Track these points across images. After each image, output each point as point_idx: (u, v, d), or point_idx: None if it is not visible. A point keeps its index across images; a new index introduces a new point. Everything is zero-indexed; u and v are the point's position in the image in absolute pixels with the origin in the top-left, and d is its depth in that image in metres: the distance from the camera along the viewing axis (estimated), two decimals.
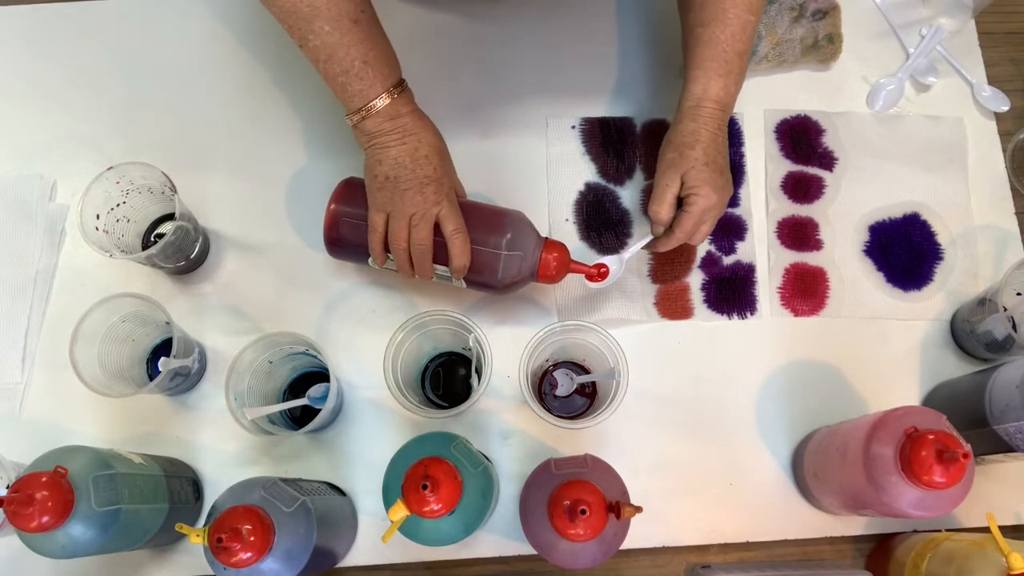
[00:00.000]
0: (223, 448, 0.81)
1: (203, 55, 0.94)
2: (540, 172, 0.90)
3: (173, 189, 0.77)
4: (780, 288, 0.86)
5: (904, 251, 0.88)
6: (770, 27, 0.92)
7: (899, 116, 0.93)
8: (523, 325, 0.84)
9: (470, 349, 0.75)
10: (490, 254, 0.74)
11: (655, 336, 0.85)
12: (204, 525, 0.60)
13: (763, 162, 0.91)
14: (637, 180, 0.90)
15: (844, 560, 0.80)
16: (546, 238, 0.76)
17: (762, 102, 0.92)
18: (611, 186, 0.89)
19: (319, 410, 0.73)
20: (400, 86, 0.71)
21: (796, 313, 0.86)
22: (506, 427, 0.81)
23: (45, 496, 0.59)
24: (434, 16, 0.95)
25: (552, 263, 0.75)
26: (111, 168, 0.77)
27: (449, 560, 0.79)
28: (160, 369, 0.73)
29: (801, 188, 0.90)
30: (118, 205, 0.80)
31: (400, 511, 0.58)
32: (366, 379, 0.82)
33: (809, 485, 0.78)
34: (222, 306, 0.85)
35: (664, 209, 0.75)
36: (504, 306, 0.85)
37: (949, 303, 0.86)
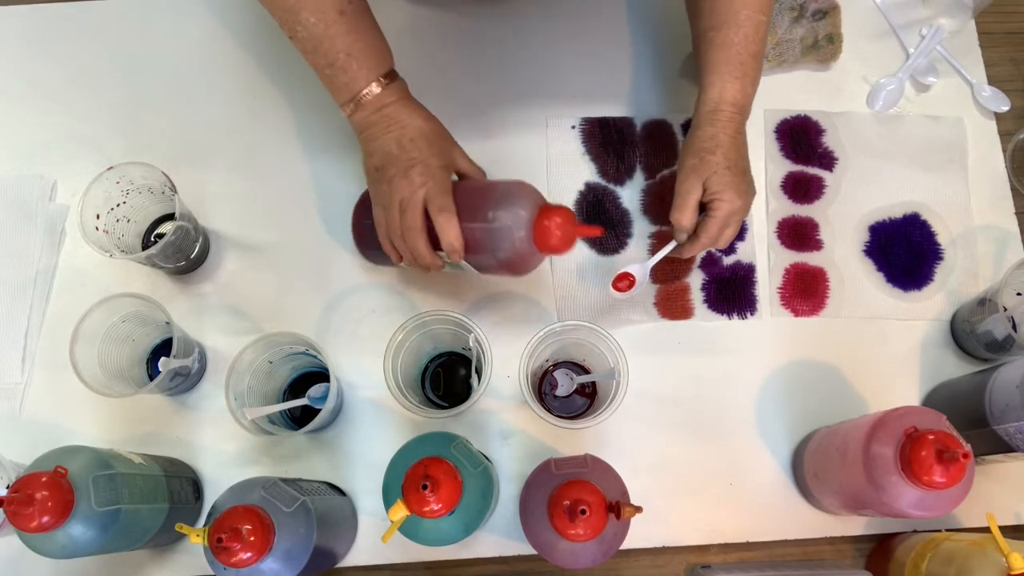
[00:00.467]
0: (223, 448, 0.81)
1: (203, 55, 0.94)
2: (540, 172, 0.90)
3: (173, 189, 0.77)
4: (780, 288, 0.86)
5: (904, 251, 0.88)
6: (770, 27, 0.92)
7: (899, 116, 0.93)
8: (523, 325, 0.84)
9: (470, 349, 0.75)
10: (480, 230, 0.68)
11: (655, 336, 0.85)
12: (204, 525, 0.60)
13: (763, 162, 0.91)
14: (637, 180, 0.90)
15: (844, 560, 0.80)
16: (545, 204, 0.68)
17: (762, 102, 0.92)
18: (611, 186, 0.89)
19: (319, 410, 0.73)
20: (389, 77, 0.71)
21: (796, 313, 0.86)
22: (506, 427, 0.81)
23: (45, 496, 0.59)
24: (434, 15, 0.95)
25: (553, 229, 0.67)
26: (111, 168, 0.77)
27: (449, 560, 0.79)
28: (160, 369, 0.73)
29: (801, 188, 0.90)
30: (118, 205, 0.80)
31: (400, 511, 0.58)
32: (366, 379, 0.82)
33: (809, 485, 0.78)
34: (222, 306, 0.85)
35: (687, 216, 0.73)
36: (504, 306, 0.85)
37: (949, 303, 0.86)
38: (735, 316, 0.86)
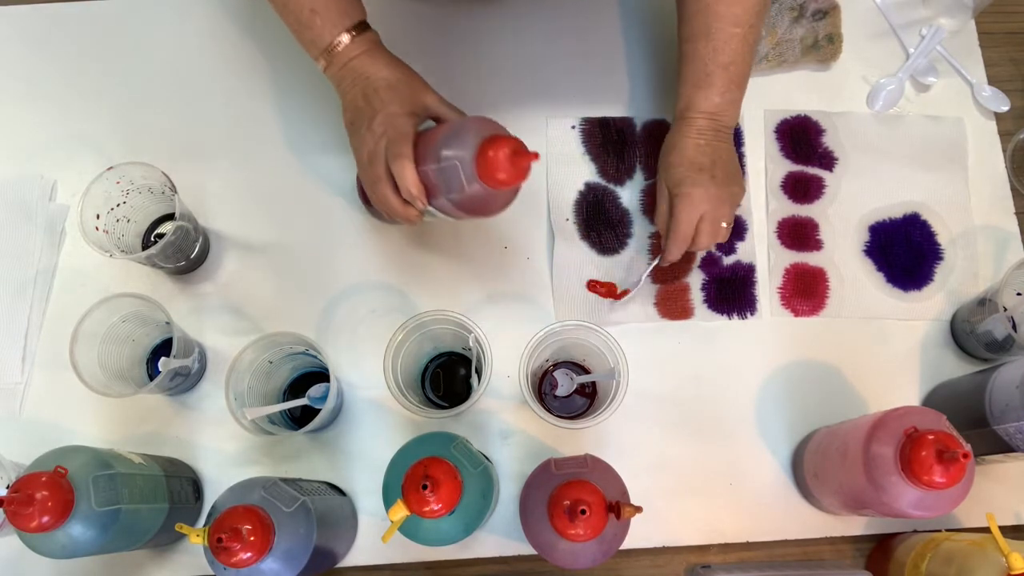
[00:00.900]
0: (223, 448, 0.80)
1: (203, 55, 0.94)
2: (540, 172, 0.90)
3: (173, 189, 0.77)
4: (780, 288, 0.86)
5: (904, 251, 0.88)
6: (770, 27, 0.92)
7: (899, 116, 0.93)
8: (523, 325, 0.84)
9: (470, 349, 0.75)
10: (433, 172, 0.64)
11: (655, 336, 0.85)
12: (204, 525, 0.60)
13: (763, 162, 0.91)
14: (637, 180, 0.90)
15: (844, 560, 0.80)
16: (488, 135, 0.61)
17: (762, 102, 0.92)
18: (611, 186, 0.89)
19: (319, 410, 0.73)
20: (358, 30, 0.70)
21: (796, 313, 0.86)
22: (506, 427, 0.81)
23: (45, 496, 0.59)
24: (433, 14, 0.95)
25: (495, 161, 0.60)
26: (111, 168, 0.77)
27: (449, 560, 0.79)
28: (160, 369, 0.73)
29: (801, 188, 0.90)
30: (118, 205, 0.80)
31: (400, 511, 0.58)
32: (366, 379, 0.82)
33: (809, 485, 0.78)
34: (222, 306, 0.85)
35: (660, 221, 0.79)
36: (504, 306, 0.85)
37: (949, 303, 0.86)
38: (735, 316, 0.86)
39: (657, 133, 0.90)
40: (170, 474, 0.74)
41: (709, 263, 0.87)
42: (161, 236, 0.77)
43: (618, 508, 0.59)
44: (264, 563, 0.60)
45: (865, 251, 0.88)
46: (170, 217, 0.83)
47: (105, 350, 0.75)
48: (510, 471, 0.80)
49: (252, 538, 0.59)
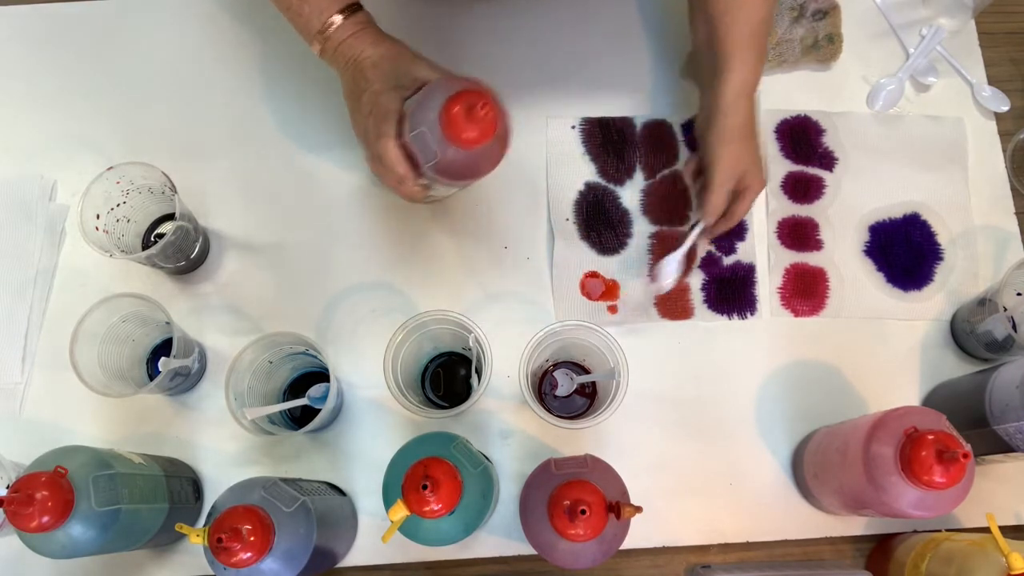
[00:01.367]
0: (223, 448, 0.80)
1: (203, 55, 0.94)
2: (540, 172, 0.90)
3: (173, 189, 0.77)
4: (780, 288, 0.86)
5: (904, 251, 0.88)
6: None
7: (899, 116, 0.93)
8: (523, 325, 0.84)
9: (470, 349, 0.75)
10: (409, 144, 0.63)
11: (655, 336, 0.85)
12: (204, 525, 0.60)
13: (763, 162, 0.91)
14: (637, 180, 0.90)
15: (844, 560, 0.80)
16: (457, 91, 0.59)
17: (762, 102, 0.92)
18: (611, 186, 0.89)
19: (319, 410, 0.73)
20: (348, 11, 0.69)
21: (796, 313, 0.86)
22: (506, 427, 0.81)
23: (45, 496, 0.59)
24: (433, 13, 0.95)
25: (458, 120, 0.57)
26: (111, 168, 0.77)
27: (449, 560, 0.79)
28: (160, 369, 0.73)
29: (801, 188, 0.90)
30: (118, 205, 0.80)
31: (400, 511, 0.58)
32: (366, 379, 0.82)
33: (809, 485, 0.78)
34: (222, 306, 0.85)
35: (723, 203, 0.76)
36: (504, 306, 0.85)
37: (949, 303, 0.86)
38: (735, 316, 0.86)
39: (657, 133, 0.91)
40: (170, 474, 0.74)
41: (709, 263, 0.87)
42: (161, 236, 0.77)
43: (618, 508, 0.59)
44: (264, 563, 0.60)
45: (865, 251, 0.88)
46: (170, 217, 0.83)
47: (105, 350, 0.75)
48: (510, 471, 0.80)
49: (252, 538, 0.59)
